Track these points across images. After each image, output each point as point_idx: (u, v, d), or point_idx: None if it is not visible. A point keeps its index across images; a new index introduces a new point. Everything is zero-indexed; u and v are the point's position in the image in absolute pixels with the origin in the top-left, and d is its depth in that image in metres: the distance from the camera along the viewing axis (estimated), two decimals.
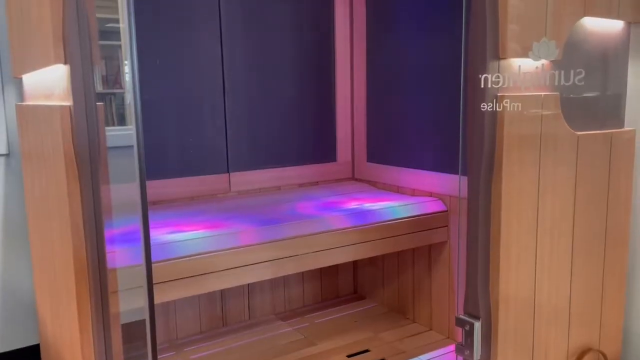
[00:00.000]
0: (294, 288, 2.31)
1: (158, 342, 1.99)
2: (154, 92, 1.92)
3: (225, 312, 2.15)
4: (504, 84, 1.32)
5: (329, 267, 2.30)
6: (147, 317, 1.14)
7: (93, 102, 1.18)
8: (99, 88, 1.84)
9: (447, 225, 1.97)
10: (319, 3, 2.26)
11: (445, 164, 1.96)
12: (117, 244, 1.36)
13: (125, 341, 1.28)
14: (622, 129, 1.62)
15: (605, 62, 1.57)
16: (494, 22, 1.30)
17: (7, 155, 1.88)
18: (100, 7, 1.26)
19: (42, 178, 1.44)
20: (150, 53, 1.91)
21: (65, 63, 1.16)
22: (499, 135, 1.33)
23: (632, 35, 1.61)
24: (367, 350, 1.95)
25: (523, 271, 1.43)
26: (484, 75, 1.31)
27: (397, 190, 2.18)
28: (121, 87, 1.95)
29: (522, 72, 1.33)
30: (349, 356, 1.91)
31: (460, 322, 1.45)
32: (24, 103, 1.71)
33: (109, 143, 1.24)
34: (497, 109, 1.32)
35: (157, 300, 1.35)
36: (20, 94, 1.84)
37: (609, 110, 1.60)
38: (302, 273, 2.32)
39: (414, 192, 2.11)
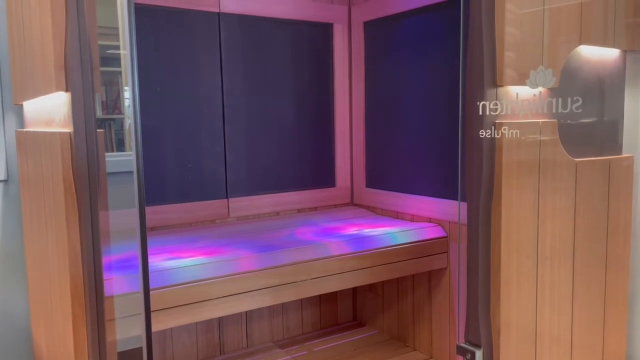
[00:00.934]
0: (292, 315, 2.29)
1: None
2: (153, 117, 1.93)
3: (223, 339, 2.12)
4: (502, 111, 1.33)
5: (329, 293, 2.28)
6: (144, 345, 1.13)
7: (93, 129, 1.18)
8: (99, 114, 1.85)
9: (447, 252, 1.96)
10: (318, 32, 2.29)
11: (444, 189, 1.96)
12: (114, 271, 1.35)
13: None
14: (620, 155, 1.63)
15: (602, 89, 1.58)
16: (491, 49, 1.31)
17: (5, 181, 1.88)
18: (101, 35, 1.28)
19: (41, 204, 1.43)
20: (151, 79, 1.93)
21: (66, 91, 1.17)
22: (497, 162, 1.34)
23: (627, 62, 1.63)
24: None
25: (524, 298, 1.42)
26: (482, 103, 1.32)
27: (396, 215, 2.18)
28: (120, 113, 1.96)
29: (519, 99, 1.34)
30: None
31: (461, 351, 1.43)
32: (24, 129, 1.72)
33: (108, 169, 1.24)
34: (496, 136, 1.33)
35: (155, 328, 1.34)
36: (21, 120, 1.84)
37: (606, 137, 1.61)
38: (301, 300, 2.30)
39: (413, 218, 2.11)
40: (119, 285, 1.33)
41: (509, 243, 1.37)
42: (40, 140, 1.41)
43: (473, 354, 1.39)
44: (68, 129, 1.18)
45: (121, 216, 1.24)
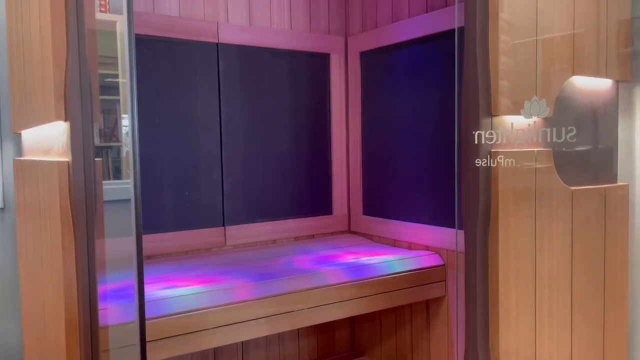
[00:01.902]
0: (289, 345, 2.26)
1: None
2: (151, 146, 1.94)
3: None
4: (497, 140, 1.34)
5: (326, 323, 2.26)
6: None
7: (91, 158, 1.19)
8: (97, 142, 1.86)
9: (444, 280, 1.95)
10: (315, 61, 2.32)
11: (442, 217, 1.96)
12: (110, 300, 1.34)
13: None
14: (616, 184, 1.64)
15: (596, 119, 1.60)
16: (486, 78, 1.33)
17: (2, 209, 1.87)
18: (99, 63, 1.29)
19: (36, 232, 1.43)
20: (149, 108, 1.94)
21: (65, 120, 1.18)
22: (494, 190, 1.34)
23: (620, 92, 1.66)
24: None
25: (523, 327, 1.41)
26: (478, 132, 1.33)
27: (394, 243, 2.17)
28: (118, 140, 1.96)
29: (514, 129, 1.36)
30: None
31: None
32: (21, 158, 1.72)
33: (105, 197, 1.24)
34: (492, 165, 1.34)
35: (150, 359, 1.32)
36: (18, 149, 1.85)
37: (601, 165, 1.62)
38: (298, 329, 2.27)
39: (410, 246, 2.10)
40: (114, 315, 1.31)
41: (507, 271, 1.37)
42: (38, 168, 1.42)
43: None
44: (66, 158, 1.19)
45: (117, 244, 1.23)
